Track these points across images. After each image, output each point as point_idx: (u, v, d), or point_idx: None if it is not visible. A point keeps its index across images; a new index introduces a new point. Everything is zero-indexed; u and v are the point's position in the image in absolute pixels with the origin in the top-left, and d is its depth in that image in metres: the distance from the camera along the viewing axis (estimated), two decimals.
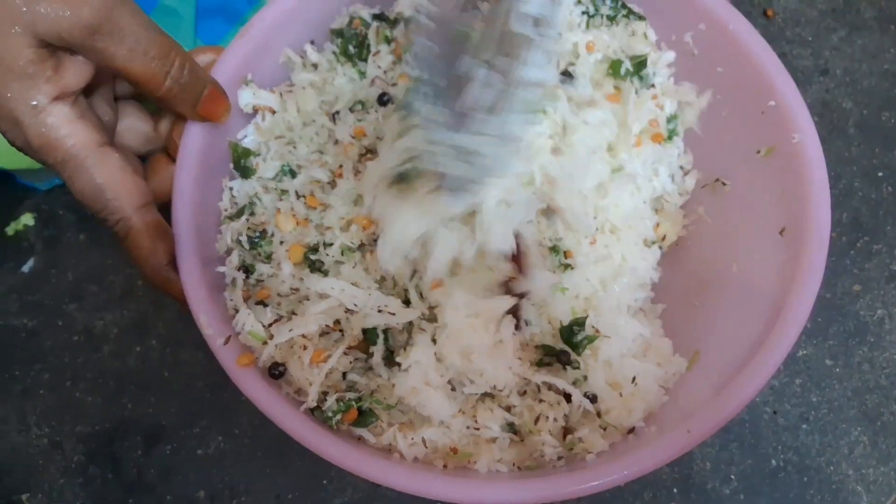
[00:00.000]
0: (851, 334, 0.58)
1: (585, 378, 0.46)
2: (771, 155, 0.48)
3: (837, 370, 0.58)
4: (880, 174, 0.64)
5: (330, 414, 0.43)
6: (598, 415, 0.46)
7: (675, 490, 0.55)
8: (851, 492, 0.54)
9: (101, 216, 0.44)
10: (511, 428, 0.46)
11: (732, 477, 0.55)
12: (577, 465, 0.43)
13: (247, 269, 0.48)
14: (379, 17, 0.55)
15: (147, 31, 0.43)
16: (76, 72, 0.43)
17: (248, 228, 0.49)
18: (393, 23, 0.54)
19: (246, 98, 0.52)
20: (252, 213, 0.50)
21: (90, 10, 0.40)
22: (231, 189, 0.51)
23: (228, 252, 0.49)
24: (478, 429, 0.45)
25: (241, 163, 0.51)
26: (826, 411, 0.57)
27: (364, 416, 0.44)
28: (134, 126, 0.49)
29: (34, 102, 0.41)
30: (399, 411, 0.45)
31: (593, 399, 0.46)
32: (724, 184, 0.52)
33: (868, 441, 0.55)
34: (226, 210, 0.51)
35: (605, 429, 0.46)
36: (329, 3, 0.55)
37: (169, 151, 0.49)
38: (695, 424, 0.41)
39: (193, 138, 0.48)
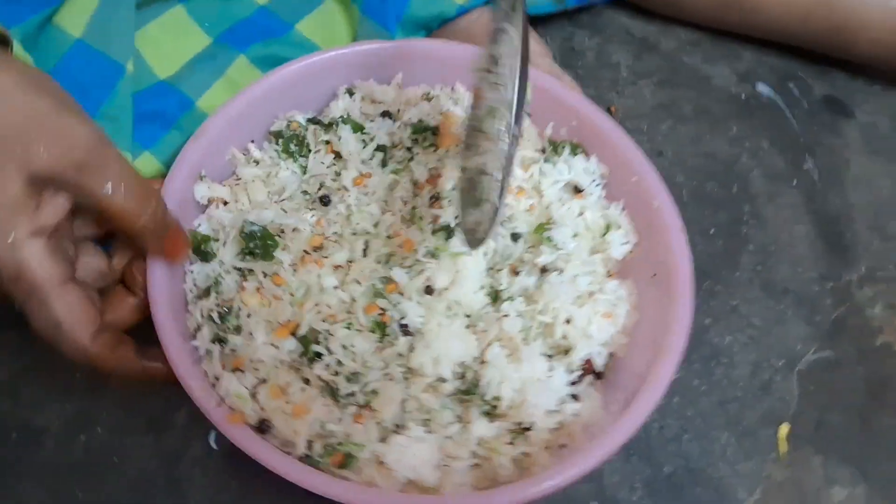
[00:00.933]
0: (709, 358, 0.72)
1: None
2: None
3: (703, 388, 0.71)
4: (712, 231, 0.80)
5: (318, 458, 0.49)
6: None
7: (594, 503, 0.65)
8: (728, 485, 0.67)
9: (60, 349, 0.47)
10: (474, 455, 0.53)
11: (637, 485, 0.66)
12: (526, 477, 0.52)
13: (220, 341, 0.53)
14: (312, 120, 0.64)
15: (131, 170, 0.48)
16: (55, 208, 0.45)
17: (218, 305, 0.55)
18: (328, 126, 0.64)
19: (201, 191, 0.59)
20: (217, 293, 0.56)
21: (81, 149, 0.44)
22: (192, 272, 0.57)
23: (198, 328, 0.54)
24: (447, 465, 0.52)
25: (202, 248, 0.57)
26: (700, 422, 0.69)
27: (347, 459, 0.50)
28: (91, 262, 0.52)
29: (12, 237, 0.44)
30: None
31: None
32: None
33: (735, 442, 0.68)
34: (191, 291, 0.56)
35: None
36: (267, 111, 0.63)
37: (127, 284, 0.53)
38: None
39: None
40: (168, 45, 0.67)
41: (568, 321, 0.57)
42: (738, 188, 0.83)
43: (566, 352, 0.57)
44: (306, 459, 0.49)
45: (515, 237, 0.59)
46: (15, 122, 0.43)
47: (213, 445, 0.62)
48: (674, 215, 0.59)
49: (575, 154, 0.64)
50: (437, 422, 0.52)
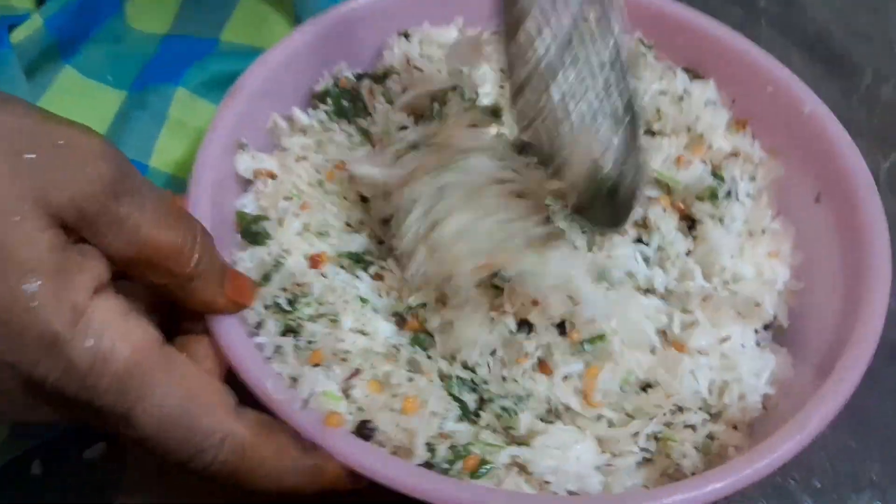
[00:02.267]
0: None
1: None
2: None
3: None
4: None
5: (446, 466, 0.36)
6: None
7: None
8: None
9: (188, 448, 0.32)
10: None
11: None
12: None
13: (293, 333, 0.41)
14: (363, 76, 0.53)
15: (159, 189, 0.35)
16: (98, 259, 0.32)
17: (284, 290, 0.42)
18: (382, 78, 0.53)
19: (244, 163, 0.47)
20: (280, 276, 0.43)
21: (108, 165, 0.31)
22: (244, 260, 0.45)
23: (260, 324, 0.42)
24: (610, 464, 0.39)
25: (251, 229, 0.45)
26: None
27: (483, 465, 0.37)
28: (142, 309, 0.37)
29: (72, 304, 0.29)
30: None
31: None
32: None
33: None
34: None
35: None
36: (311, 67, 0.52)
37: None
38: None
39: (201, 215, 0.42)
40: (77, 114, 0.53)
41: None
42: None
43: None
44: (428, 469, 0.36)
45: None
46: (6, 143, 0.30)
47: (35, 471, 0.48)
48: (833, 120, 0.47)
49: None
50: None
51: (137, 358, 0.31)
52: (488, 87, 0.50)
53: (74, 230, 0.31)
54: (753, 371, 0.42)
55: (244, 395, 0.37)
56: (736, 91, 0.52)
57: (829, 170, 0.46)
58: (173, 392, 0.32)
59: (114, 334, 0.30)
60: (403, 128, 0.48)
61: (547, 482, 0.37)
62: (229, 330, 0.38)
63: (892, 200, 0.62)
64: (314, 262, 0.43)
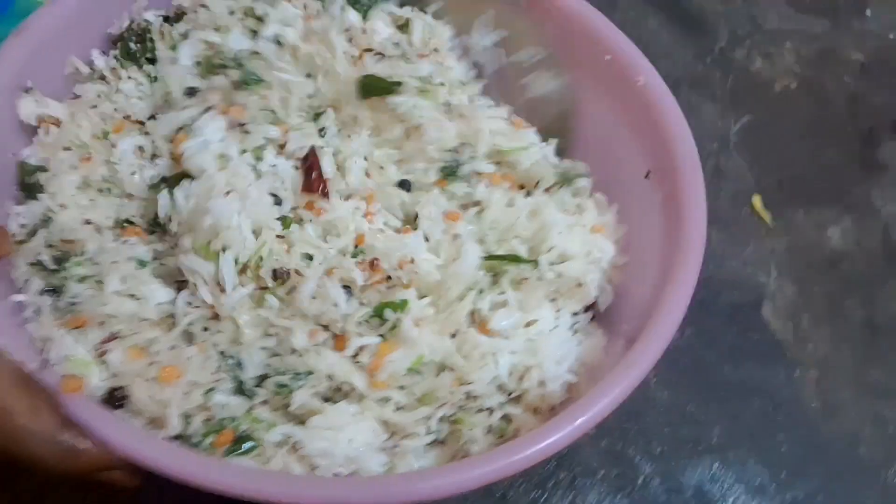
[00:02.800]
0: None
1: None
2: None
3: None
4: None
5: (198, 439, 0.33)
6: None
7: None
8: None
9: None
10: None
11: None
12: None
13: (56, 292, 0.37)
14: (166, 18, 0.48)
15: None
16: None
17: (49, 247, 0.38)
18: (176, 20, 0.48)
19: (28, 108, 0.42)
20: (49, 231, 0.39)
21: None
22: (18, 214, 0.40)
23: (28, 281, 0.38)
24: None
25: (26, 180, 0.41)
26: None
27: (241, 442, 0.34)
28: None
29: None
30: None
31: None
32: None
33: None
34: (14, 235, 0.40)
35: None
36: (114, 6, 0.47)
37: None
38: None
39: None
40: None
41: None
42: None
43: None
44: (181, 441, 0.33)
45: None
46: None
47: None
48: (666, 94, 0.46)
49: None
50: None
51: None
52: None
53: None
54: (556, 358, 0.39)
55: None
56: (574, 58, 0.49)
57: (659, 146, 0.44)
58: None
59: None
60: (190, 90, 0.44)
61: (315, 466, 0.34)
62: None
63: (739, 161, 0.64)
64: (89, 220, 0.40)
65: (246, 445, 0.34)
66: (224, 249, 0.37)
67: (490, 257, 0.41)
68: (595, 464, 0.51)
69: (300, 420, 0.36)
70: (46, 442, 0.31)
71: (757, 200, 0.63)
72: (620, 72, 0.47)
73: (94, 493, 0.35)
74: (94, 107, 0.44)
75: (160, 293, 0.37)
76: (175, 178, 0.40)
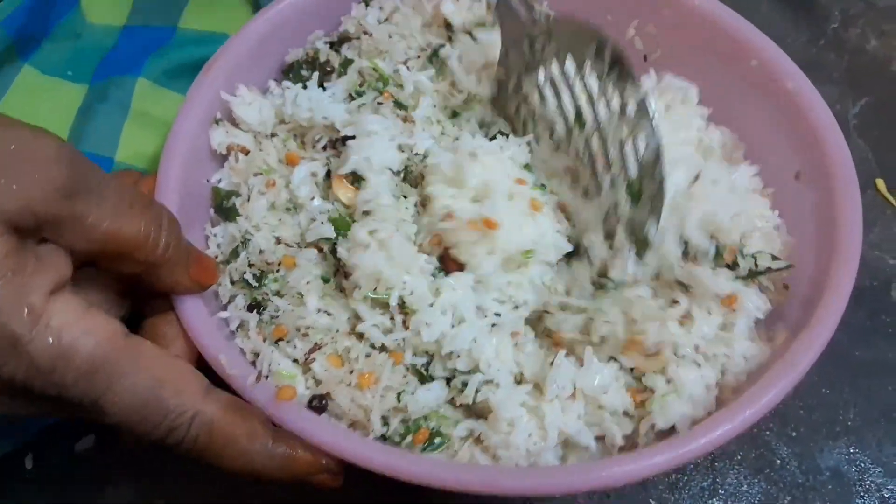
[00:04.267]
0: None
1: None
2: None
3: None
4: None
5: (397, 439, 0.38)
6: None
7: None
8: None
9: (161, 429, 0.34)
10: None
11: None
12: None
13: (258, 307, 0.42)
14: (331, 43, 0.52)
15: (120, 183, 0.35)
16: (58, 258, 0.32)
17: (251, 266, 0.43)
18: (339, 44, 0.52)
19: (219, 137, 0.46)
20: (248, 252, 0.44)
21: (59, 167, 0.31)
22: (215, 236, 0.46)
23: (232, 299, 0.43)
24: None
25: (223, 205, 0.46)
26: None
27: (433, 438, 0.39)
28: (107, 295, 0.38)
29: (28, 306, 0.30)
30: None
31: None
32: None
33: None
34: (216, 256, 0.45)
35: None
36: (287, 39, 0.51)
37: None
38: None
39: (170, 188, 0.42)
40: (40, 113, 0.53)
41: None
42: None
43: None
44: (384, 441, 0.39)
45: None
46: None
47: (28, 465, 0.50)
48: (817, 99, 0.47)
49: None
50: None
51: (101, 351, 0.32)
52: None
53: (35, 231, 0.32)
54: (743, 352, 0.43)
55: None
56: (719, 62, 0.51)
57: (809, 149, 0.46)
58: (141, 379, 0.33)
59: (74, 331, 0.31)
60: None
61: (498, 458, 0.38)
62: (191, 308, 0.40)
63: (860, 144, 0.65)
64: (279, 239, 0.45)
65: (437, 441, 0.38)
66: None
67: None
68: (733, 447, 0.54)
69: (481, 415, 0.40)
70: (265, 457, 0.36)
71: (881, 183, 0.63)
72: (767, 76, 0.48)
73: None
74: (275, 135, 0.48)
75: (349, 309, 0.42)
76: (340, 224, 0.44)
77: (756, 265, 0.44)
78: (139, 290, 0.39)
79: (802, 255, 0.45)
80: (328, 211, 0.44)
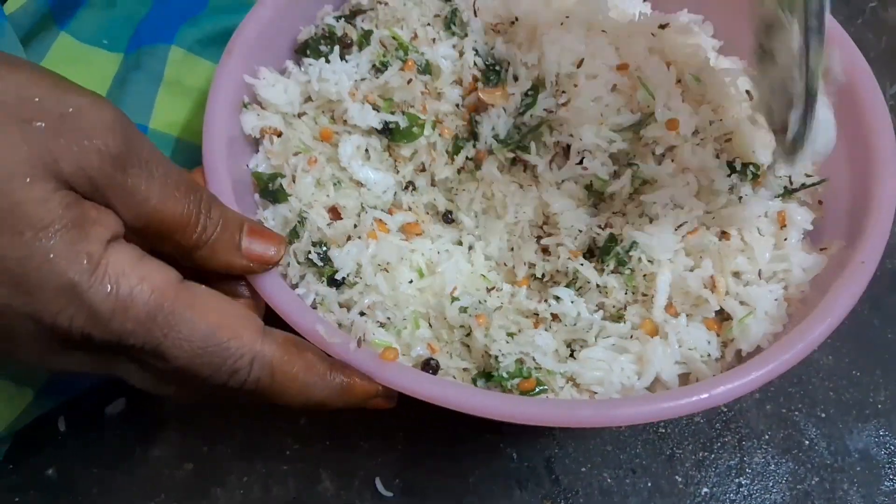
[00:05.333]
0: None
1: None
2: None
3: None
4: None
5: (506, 375, 0.40)
6: None
7: None
8: None
9: (222, 372, 0.34)
10: None
11: None
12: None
13: (335, 285, 0.43)
14: (340, 17, 0.51)
15: (168, 161, 0.35)
16: (112, 215, 0.33)
17: (314, 245, 0.43)
18: (352, 17, 0.51)
19: (250, 122, 0.47)
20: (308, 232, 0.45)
21: (115, 137, 0.32)
22: (267, 219, 0.46)
23: (302, 277, 0.43)
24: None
25: (269, 188, 0.46)
26: None
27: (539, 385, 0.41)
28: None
29: (87, 254, 0.31)
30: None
31: None
32: None
33: None
34: None
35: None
36: (301, 15, 0.51)
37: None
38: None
39: (221, 180, 0.42)
40: (77, 80, 0.51)
41: None
42: None
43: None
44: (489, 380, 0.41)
45: None
46: (15, 109, 0.30)
47: (61, 427, 0.52)
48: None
49: None
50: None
51: (158, 297, 0.32)
52: None
53: (87, 197, 0.32)
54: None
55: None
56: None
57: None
58: (198, 324, 0.33)
59: (132, 278, 0.32)
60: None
61: (594, 392, 0.40)
62: (270, 284, 0.39)
63: None
64: (334, 214, 0.45)
65: (540, 388, 0.40)
66: None
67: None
68: (761, 426, 0.54)
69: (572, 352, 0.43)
70: (324, 387, 0.37)
71: None
72: None
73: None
74: (304, 114, 0.48)
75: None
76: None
77: (791, 182, 0.45)
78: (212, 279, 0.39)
79: (836, 169, 0.45)
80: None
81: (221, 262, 0.37)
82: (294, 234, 0.44)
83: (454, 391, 0.37)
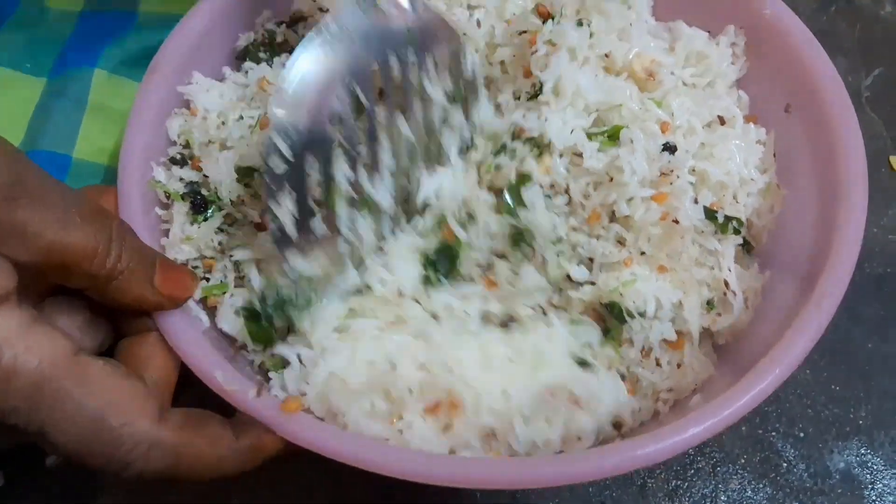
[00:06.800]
0: None
1: None
2: None
3: None
4: None
5: None
6: None
7: None
8: None
9: (114, 463, 0.31)
10: None
11: None
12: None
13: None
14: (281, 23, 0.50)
15: (63, 187, 0.32)
16: (1, 269, 0.30)
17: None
18: (293, 24, 0.50)
19: (177, 127, 0.45)
20: None
21: (0, 171, 0.29)
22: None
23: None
24: None
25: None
26: None
27: None
28: (77, 321, 0.36)
29: None
30: None
31: None
32: None
33: None
34: None
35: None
36: (235, 24, 0.49)
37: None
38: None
39: (132, 194, 0.41)
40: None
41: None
42: None
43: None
44: None
45: None
46: None
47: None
48: (797, 24, 0.44)
49: None
50: None
51: (46, 371, 0.29)
52: None
53: None
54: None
55: None
56: None
57: (796, 79, 0.43)
58: (87, 405, 0.30)
59: (16, 348, 0.29)
60: None
61: None
62: (174, 324, 0.37)
63: (873, 118, 0.61)
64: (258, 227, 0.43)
65: None
66: None
67: None
68: (736, 450, 0.51)
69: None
70: (234, 457, 0.34)
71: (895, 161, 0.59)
72: (745, 4, 0.45)
73: None
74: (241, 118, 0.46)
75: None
76: None
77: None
78: (118, 314, 0.37)
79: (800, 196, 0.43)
80: None
81: (135, 295, 0.35)
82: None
83: (367, 448, 0.34)
